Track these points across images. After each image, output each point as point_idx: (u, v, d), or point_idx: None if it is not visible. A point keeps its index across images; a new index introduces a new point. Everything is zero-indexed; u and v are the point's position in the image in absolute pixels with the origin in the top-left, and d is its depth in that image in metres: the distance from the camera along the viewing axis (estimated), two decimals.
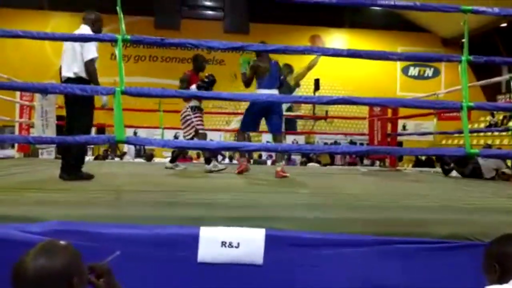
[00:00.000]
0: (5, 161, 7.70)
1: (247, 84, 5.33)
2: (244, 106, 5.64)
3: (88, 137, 3.02)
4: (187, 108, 5.69)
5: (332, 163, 13.88)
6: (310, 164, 10.88)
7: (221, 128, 15.14)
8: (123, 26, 2.89)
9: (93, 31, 3.97)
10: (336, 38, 18.32)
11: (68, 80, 3.95)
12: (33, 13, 16.62)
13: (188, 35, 17.31)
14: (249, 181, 4.64)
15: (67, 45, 3.93)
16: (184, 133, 5.68)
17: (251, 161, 12.83)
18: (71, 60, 3.95)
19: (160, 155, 12.28)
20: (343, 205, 3.06)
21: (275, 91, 5.07)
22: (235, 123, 15.95)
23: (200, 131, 5.63)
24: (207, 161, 5.65)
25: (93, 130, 12.83)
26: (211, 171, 5.42)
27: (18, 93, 7.65)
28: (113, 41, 2.89)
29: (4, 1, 15.75)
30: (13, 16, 16.16)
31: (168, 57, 17.05)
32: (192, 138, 5.54)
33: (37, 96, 7.38)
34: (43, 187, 3.52)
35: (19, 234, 2.15)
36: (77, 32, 3.88)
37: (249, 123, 5.35)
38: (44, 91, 3.09)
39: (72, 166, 4.03)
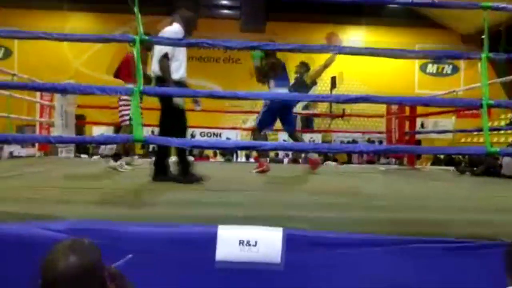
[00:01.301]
0: (26, 159, 7.85)
1: (261, 79, 5.36)
2: (261, 104, 5.63)
3: (107, 136, 3.05)
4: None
5: (349, 161, 13.77)
6: (327, 162, 10.83)
7: (237, 127, 15.16)
8: (141, 26, 2.92)
9: (185, 30, 3.81)
10: (354, 36, 18.16)
11: (156, 79, 3.85)
12: (51, 13, 16.84)
13: (204, 34, 17.41)
14: (266, 180, 4.64)
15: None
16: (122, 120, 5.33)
17: (268, 159, 12.84)
18: (155, 58, 3.86)
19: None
20: (362, 204, 3.04)
21: (287, 90, 5.27)
22: (252, 122, 16.00)
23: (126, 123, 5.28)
24: (115, 157, 5.25)
25: (111, 129, 12.97)
26: (115, 169, 5.11)
27: (38, 93, 7.77)
28: (131, 42, 2.91)
29: (23, 1, 16.00)
30: (31, 17, 16.40)
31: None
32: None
33: (57, 96, 7.49)
34: (63, 186, 3.57)
35: (40, 231, 2.19)
36: (168, 29, 3.73)
37: (267, 121, 5.38)
38: (64, 91, 3.13)
39: (162, 168, 3.95)
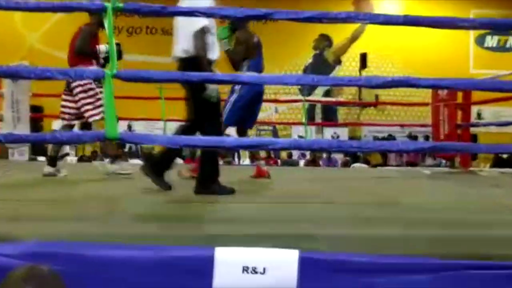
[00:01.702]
0: None
1: (237, 64, 5.26)
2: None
3: (73, 134, 3.08)
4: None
5: (385, 163, 13.78)
6: (356, 164, 10.85)
7: None
8: None
9: None
10: (388, 2, 18.13)
11: (184, 61, 3.84)
12: None
13: None
14: (276, 188, 4.65)
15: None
16: (83, 112, 5.34)
17: (279, 161, 12.88)
18: (182, 34, 3.88)
19: None
20: (401, 218, 3.04)
21: None
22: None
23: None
24: (112, 159, 5.34)
25: (78, 123, 13.06)
26: (113, 174, 5.24)
27: None
28: (101, 11, 2.92)
29: None
30: None
31: (170, 29, 17.15)
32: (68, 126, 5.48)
33: (6, 81, 7.52)
34: (18, 198, 3.60)
35: None
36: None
37: (241, 116, 5.37)
38: (15, 75, 3.15)
39: (207, 177, 3.90)
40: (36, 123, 10.26)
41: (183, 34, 3.84)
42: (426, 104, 9.24)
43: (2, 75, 3.12)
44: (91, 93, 5.19)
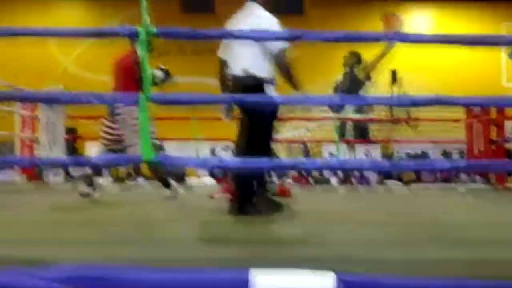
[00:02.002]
0: (4, 187, 8.05)
1: None
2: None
3: (109, 157, 3.12)
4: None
5: (418, 179, 13.60)
6: (390, 181, 10.71)
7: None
8: (147, 16, 2.97)
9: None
10: (418, 16, 18.02)
11: (235, 79, 3.89)
12: (35, 1, 17.37)
13: (225, 18, 17.56)
14: (307, 208, 4.63)
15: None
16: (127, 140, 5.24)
17: (310, 179, 12.81)
18: (247, 53, 3.88)
19: (195, 174, 12.42)
20: (439, 239, 3.00)
21: None
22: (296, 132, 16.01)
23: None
24: (166, 184, 5.24)
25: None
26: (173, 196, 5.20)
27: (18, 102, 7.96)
28: (134, 36, 2.97)
29: None
30: (11, 6, 16.94)
31: (200, 49, 17.34)
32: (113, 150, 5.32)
33: (42, 105, 7.70)
34: (55, 220, 3.66)
35: (27, 281, 2.24)
36: (262, 14, 3.92)
37: None
38: (54, 101, 3.22)
39: (245, 197, 3.94)
40: (70, 144, 10.43)
41: (245, 53, 3.86)
42: (459, 120, 9.13)
43: (42, 101, 3.21)
44: (134, 121, 5.09)
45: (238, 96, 3.19)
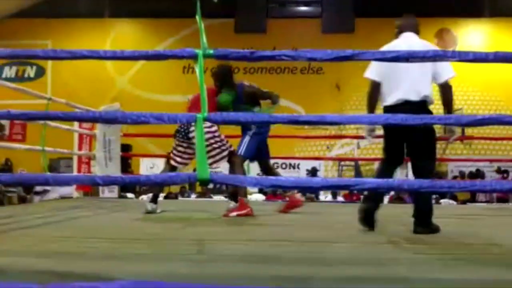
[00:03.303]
0: (63, 202, 8.29)
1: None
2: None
3: (165, 176, 3.19)
4: (212, 127, 5.48)
5: (473, 199, 13.28)
6: (443, 201, 10.51)
7: (320, 156, 15.12)
8: (204, 38, 3.05)
9: None
10: (473, 31, 17.70)
11: (407, 104, 4.05)
12: (91, 21, 17.92)
13: (276, 38, 17.72)
14: (360, 227, 4.61)
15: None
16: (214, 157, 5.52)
17: (362, 197, 12.68)
18: (414, 77, 4.07)
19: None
20: (498, 260, 2.93)
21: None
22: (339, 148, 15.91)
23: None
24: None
25: (162, 161, 13.48)
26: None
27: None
28: (192, 58, 3.05)
29: (59, 11, 17.17)
30: (68, 26, 17.54)
31: (252, 68, 17.50)
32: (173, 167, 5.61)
33: (99, 123, 7.90)
34: (112, 236, 3.75)
35: None
36: (424, 44, 4.13)
37: (254, 151, 5.62)
38: (113, 121, 3.33)
39: (426, 216, 4.09)
40: (125, 161, 10.67)
41: (420, 78, 4.05)
42: None
43: (102, 121, 3.34)
44: (211, 141, 5.39)
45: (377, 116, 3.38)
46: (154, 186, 5.58)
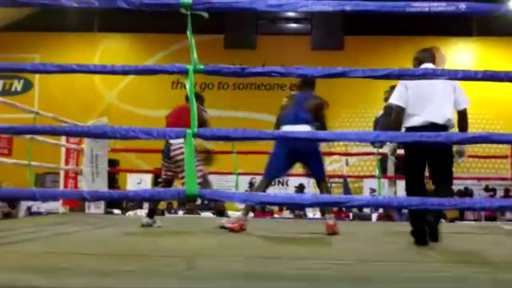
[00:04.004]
0: (49, 217, 8.22)
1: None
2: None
3: (154, 191, 3.18)
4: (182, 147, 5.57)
5: (461, 217, 13.34)
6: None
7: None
8: (195, 54, 3.07)
9: None
10: (461, 50, 17.92)
11: (432, 126, 4.39)
12: (80, 35, 17.92)
13: (266, 54, 17.80)
14: (354, 246, 4.60)
15: (438, 86, 4.46)
16: (182, 178, 5.60)
17: (350, 215, 12.69)
18: (441, 104, 4.51)
19: (233, 208, 12.45)
20: (489, 277, 2.95)
21: (303, 126, 5.23)
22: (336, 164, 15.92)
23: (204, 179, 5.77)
24: (219, 213, 5.93)
25: (150, 177, 13.39)
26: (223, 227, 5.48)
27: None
28: (183, 73, 3.06)
29: (47, 25, 17.16)
30: (57, 40, 17.53)
31: (241, 84, 17.54)
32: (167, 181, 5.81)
33: (86, 138, 7.88)
34: (100, 252, 3.73)
35: None
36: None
37: (277, 169, 5.55)
38: (103, 136, 3.32)
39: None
40: (111, 176, 10.61)
41: (446, 104, 4.51)
42: (505, 157, 8.98)
43: (90, 136, 3.33)
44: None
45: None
46: (145, 201, 5.74)
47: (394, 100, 4.60)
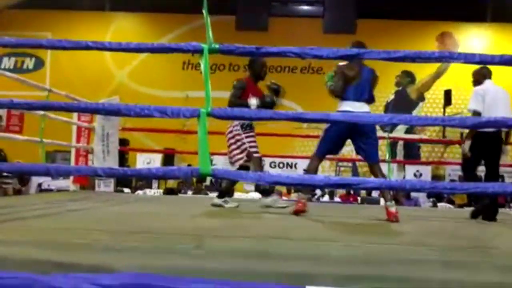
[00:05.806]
0: (60, 194, 8.29)
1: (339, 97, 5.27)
2: None
3: (167, 169, 3.19)
4: (235, 126, 5.77)
5: (470, 203, 13.30)
6: (440, 204, 10.55)
7: None
8: (210, 32, 3.06)
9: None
10: (474, 35, 17.74)
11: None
12: (92, 14, 17.91)
13: (277, 36, 17.70)
14: (361, 228, 4.61)
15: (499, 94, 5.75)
16: (232, 157, 5.79)
17: (359, 198, 12.72)
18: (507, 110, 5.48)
19: (241, 189, 12.47)
20: (495, 263, 2.95)
21: (363, 105, 5.04)
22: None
23: (255, 155, 5.75)
24: (265, 193, 5.88)
25: (160, 157, 13.45)
26: (269, 206, 5.60)
27: (75, 113, 8.20)
28: (198, 52, 3.06)
29: (59, 3, 17.13)
30: (68, 19, 17.51)
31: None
32: (242, 166, 5.72)
33: (98, 116, 7.89)
34: (111, 229, 3.75)
35: (90, 287, 2.31)
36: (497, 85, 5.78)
37: (328, 148, 5.34)
38: (117, 113, 3.33)
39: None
40: (121, 155, 10.66)
41: (507, 109, 5.50)
42: None
43: (105, 113, 3.34)
44: (238, 138, 5.79)
45: None
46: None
47: (474, 106, 5.51)
